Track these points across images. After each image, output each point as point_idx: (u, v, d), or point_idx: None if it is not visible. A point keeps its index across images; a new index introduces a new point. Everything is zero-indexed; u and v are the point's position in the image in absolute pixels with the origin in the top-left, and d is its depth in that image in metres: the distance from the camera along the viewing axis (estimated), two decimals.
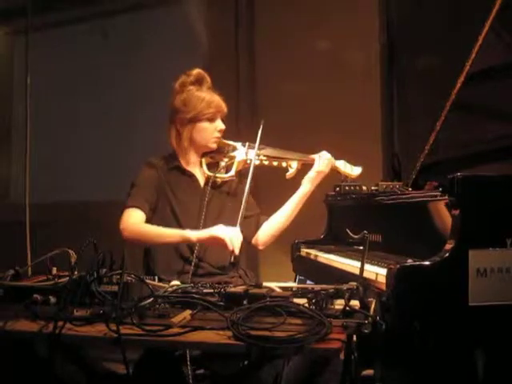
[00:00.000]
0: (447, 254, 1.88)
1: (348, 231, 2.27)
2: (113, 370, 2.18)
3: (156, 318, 1.63)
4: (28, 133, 4.91)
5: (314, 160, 2.71)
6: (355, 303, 1.69)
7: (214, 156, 2.73)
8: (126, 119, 5.01)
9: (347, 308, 1.64)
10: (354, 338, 1.49)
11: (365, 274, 1.89)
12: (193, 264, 2.53)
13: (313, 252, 2.86)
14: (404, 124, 4.08)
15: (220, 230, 2.41)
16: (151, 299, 1.73)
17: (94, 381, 2.13)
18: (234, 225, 2.51)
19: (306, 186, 2.70)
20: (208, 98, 2.65)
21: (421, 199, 2.21)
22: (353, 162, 2.81)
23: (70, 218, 5.09)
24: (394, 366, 2.18)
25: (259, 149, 2.69)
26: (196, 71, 2.71)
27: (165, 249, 2.59)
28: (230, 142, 2.74)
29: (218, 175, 2.68)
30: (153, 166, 2.68)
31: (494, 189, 1.98)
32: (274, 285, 1.94)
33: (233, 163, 2.70)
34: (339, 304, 1.72)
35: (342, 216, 3.00)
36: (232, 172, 2.69)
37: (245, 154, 2.71)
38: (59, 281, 1.85)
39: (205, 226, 2.55)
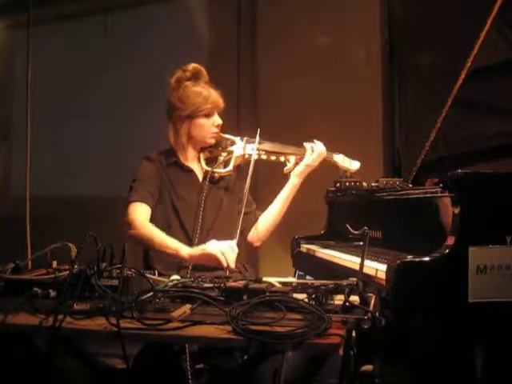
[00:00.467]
0: (447, 251, 1.88)
1: (348, 227, 2.27)
2: (112, 364, 2.19)
3: (156, 312, 1.63)
4: (29, 127, 4.91)
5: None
6: (355, 299, 1.69)
7: (212, 151, 2.72)
8: (126, 114, 5.00)
9: (347, 303, 1.64)
10: (354, 333, 1.49)
11: (365, 270, 1.89)
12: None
13: (313, 248, 2.86)
14: (405, 120, 4.08)
15: (212, 247, 2.36)
16: (151, 293, 1.73)
17: (94, 375, 2.14)
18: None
19: (294, 179, 2.71)
20: (205, 93, 2.64)
21: (421, 196, 2.21)
22: (353, 158, 2.81)
23: (70, 212, 5.10)
24: (393, 362, 2.18)
25: (259, 143, 2.68)
26: (192, 66, 2.70)
27: None
28: (229, 137, 2.73)
29: (215, 170, 2.68)
30: (152, 160, 2.68)
31: (494, 186, 1.98)
32: (273, 280, 1.95)
33: (231, 158, 2.70)
34: (339, 299, 1.72)
35: (342, 212, 3.01)
36: (230, 167, 2.69)
37: (242, 148, 2.70)
38: (59, 274, 1.85)
39: (203, 221, 2.57)
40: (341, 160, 2.77)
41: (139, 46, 5.04)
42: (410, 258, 1.93)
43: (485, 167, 2.20)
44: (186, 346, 2.30)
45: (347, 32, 4.32)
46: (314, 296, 1.70)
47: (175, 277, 2.06)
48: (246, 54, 4.72)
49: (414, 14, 3.98)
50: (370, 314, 1.56)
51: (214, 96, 2.66)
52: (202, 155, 2.71)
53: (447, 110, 2.45)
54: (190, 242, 2.54)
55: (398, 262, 1.89)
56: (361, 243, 1.95)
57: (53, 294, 1.78)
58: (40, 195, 4.97)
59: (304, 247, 2.96)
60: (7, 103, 5.84)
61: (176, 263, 2.53)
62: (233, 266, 2.36)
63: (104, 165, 5.00)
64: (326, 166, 2.79)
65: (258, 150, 2.68)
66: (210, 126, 2.66)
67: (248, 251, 2.91)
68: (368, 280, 1.94)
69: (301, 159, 2.72)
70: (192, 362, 2.44)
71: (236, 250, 2.38)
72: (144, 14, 5.23)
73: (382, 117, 4.21)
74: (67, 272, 1.79)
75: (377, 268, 2.04)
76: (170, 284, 1.90)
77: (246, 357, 2.24)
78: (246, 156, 2.69)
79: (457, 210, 1.94)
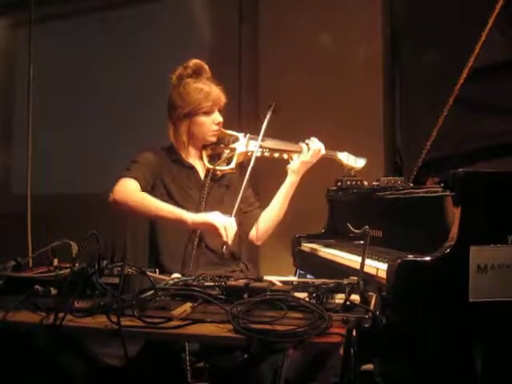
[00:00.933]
0: (448, 250, 1.88)
1: (349, 226, 2.27)
2: (113, 363, 2.19)
3: (156, 311, 1.64)
4: (30, 125, 4.90)
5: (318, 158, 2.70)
6: (356, 298, 1.69)
7: (215, 148, 2.71)
8: (126, 113, 5.01)
9: (347, 302, 1.64)
10: (354, 332, 1.49)
11: (365, 269, 1.89)
12: (194, 249, 2.53)
13: (313, 246, 2.86)
14: (406, 119, 4.08)
15: (215, 218, 2.39)
16: (152, 291, 1.74)
17: (94, 372, 2.14)
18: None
19: (292, 176, 2.70)
20: (205, 90, 2.62)
21: (422, 195, 2.21)
22: (355, 156, 2.81)
23: (71, 210, 5.10)
24: (393, 361, 2.18)
25: (262, 140, 2.66)
26: (193, 62, 2.67)
27: (169, 235, 2.59)
28: (232, 133, 2.71)
29: (217, 167, 2.66)
30: (155, 153, 2.66)
31: (495, 185, 1.98)
32: (274, 279, 1.95)
33: (233, 155, 2.68)
34: (339, 298, 1.72)
35: (343, 211, 3.00)
36: (232, 164, 2.67)
37: (245, 146, 2.68)
38: (60, 272, 1.85)
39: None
40: (345, 158, 2.75)
41: (140, 44, 5.04)
42: (410, 257, 1.93)
43: (486, 166, 2.20)
44: (186, 344, 2.30)
45: (349, 31, 4.32)
46: (314, 295, 1.71)
47: (176, 275, 2.06)
48: (247, 52, 4.72)
49: (416, 13, 3.98)
50: (370, 313, 1.56)
51: (215, 93, 2.63)
52: (204, 152, 2.69)
53: (448, 109, 2.44)
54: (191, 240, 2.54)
55: (399, 261, 1.89)
56: (362, 242, 1.95)
57: (54, 291, 1.79)
58: (41, 193, 4.97)
59: (305, 246, 2.95)
60: (9, 102, 5.85)
61: (180, 254, 2.53)
62: (230, 242, 2.37)
63: (104, 163, 5.00)
64: (329, 164, 2.78)
65: (260, 147, 2.66)
66: (210, 124, 2.64)
67: (249, 250, 2.91)
68: (369, 279, 1.94)
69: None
70: (192, 360, 2.45)
71: (235, 227, 2.41)
72: (145, 12, 5.23)
73: (383, 116, 4.20)
74: (68, 270, 1.80)
75: (377, 267, 2.04)
76: (171, 282, 1.90)
77: (246, 355, 2.24)
78: (249, 153, 2.66)
79: (458, 209, 1.94)
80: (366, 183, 2.75)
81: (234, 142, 2.69)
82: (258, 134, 2.64)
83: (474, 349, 2.04)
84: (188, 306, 1.68)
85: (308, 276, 3.08)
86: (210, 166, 2.66)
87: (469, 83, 2.40)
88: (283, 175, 2.71)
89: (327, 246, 2.79)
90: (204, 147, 2.70)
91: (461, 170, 1.96)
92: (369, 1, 4.27)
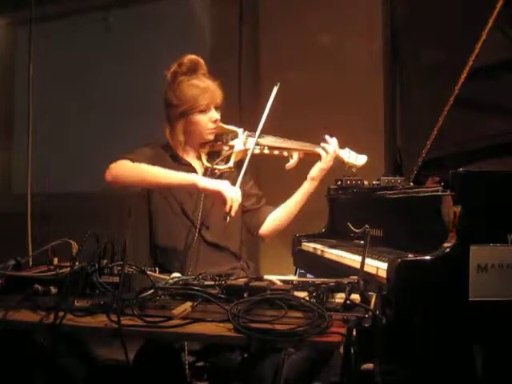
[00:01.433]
0: (448, 250, 1.88)
1: (349, 225, 2.27)
2: (113, 362, 2.19)
3: (157, 310, 1.63)
4: (30, 123, 4.91)
5: (317, 153, 2.64)
6: (356, 297, 1.69)
7: (213, 145, 2.66)
8: (127, 112, 5.01)
9: (347, 302, 1.64)
10: (354, 331, 1.49)
11: (366, 269, 1.89)
12: (194, 245, 2.52)
13: (314, 246, 2.86)
14: (406, 119, 4.08)
15: (226, 189, 2.38)
16: (152, 291, 1.73)
17: (95, 371, 2.14)
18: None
19: (311, 183, 2.66)
20: (200, 88, 2.56)
21: (422, 194, 2.21)
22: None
23: (71, 209, 5.10)
24: (393, 361, 2.18)
25: (261, 137, 2.62)
26: (187, 59, 2.61)
27: (168, 233, 2.58)
28: (231, 128, 2.67)
29: (216, 166, 2.62)
30: (153, 148, 2.64)
31: (495, 185, 1.99)
32: (274, 278, 1.95)
33: (232, 153, 2.63)
34: (340, 298, 1.72)
35: (343, 210, 3.00)
36: (230, 163, 2.63)
37: (243, 144, 2.63)
38: (60, 271, 1.85)
39: (203, 218, 2.55)
40: (346, 156, 2.69)
41: (140, 44, 5.04)
42: (411, 256, 1.93)
43: (486, 166, 2.20)
44: (185, 343, 2.29)
45: (349, 30, 4.32)
46: (314, 294, 1.70)
47: (176, 274, 2.06)
48: (247, 52, 4.72)
49: (416, 12, 3.97)
50: (370, 313, 1.56)
51: (211, 90, 2.57)
52: (202, 150, 2.65)
53: (449, 108, 2.44)
54: (191, 237, 2.54)
55: (399, 260, 1.89)
56: (362, 242, 1.95)
57: (54, 290, 1.78)
58: (41, 192, 4.97)
59: (305, 245, 2.95)
60: (8, 101, 5.85)
61: (181, 255, 2.53)
62: (233, 213, 2.39)
63: (105, 162, 4.99)
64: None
65: (259, 144, 2.63)
66: (206, 122, 2.58)
67: (249, 249, 2.90)
68: (369, 278, 1.94)
69: (305, 154, 2.66)
70: (193, 359, 2.45)
71: (240, 200, 2.41)
72: (145, 11, 5.23)
73: (384, 115, 4.20)
74: (68, 269, 1.80)
75: (378, 266, 2.04)
76: (171, 281, 1.90)
77: (246, 355, 2.24)
78: (248, 151, 2.62)
79: (458, 209, 1.94)
80: (366, 182, 2.75)
81: (232, 138, 2.65)
82: (262, 127, 2.59)
83: (473, 348, 2.04)
84: (188, 305, 1.68)
85: (308, 275, 3.08)
86: (208, 165, 2.62)
87: (469, 83, 2.40)
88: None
89: (327, 245, 2.79)
90: (202, 145, 2.65)
91: (461, 169, 1.96)
92: (369, 0, 4.27)
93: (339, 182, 2.82)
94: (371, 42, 4.25)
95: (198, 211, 2.55)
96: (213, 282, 1.88)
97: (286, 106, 4.19)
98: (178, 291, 1.79)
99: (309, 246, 2.91)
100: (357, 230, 2.10)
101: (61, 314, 1.55)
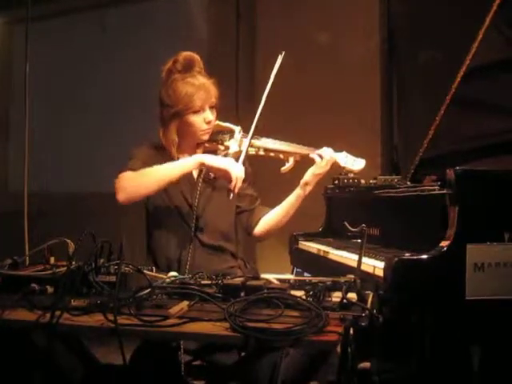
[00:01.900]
0: (445, 248, 1.89)
1: (346, 224, 2.27)
2: (109, 361, 2.19)
3: (153, 309, 1.63)
4: (27, 122, 4.90)
5: (312, 159, 2.57)
6: (352, 296, 1.69)
7: (209, 144, 2.61)
8: (124, 110, 5.01)
9: (344, 301, 1.64)
10: (351, 330, 1.49)
11: (362, 267, 1.89)
12: (190, 248, 2.50)
13: (311, 245, 2.86)
14: (403, 118, 4.09)
15: (232, 167, 2.39)
16: (149, 290, 1.73)
17: (91, 371, 2.14)
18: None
19: (304, 188, 2.59)
20: (194, 88, 2.48)
21: (419, 193, 2.21)
22: (352, 155, 2.79)
23: (68, 208, 5.10)
24: (391, 359, 2.18)
25: (256, 139, 2.58)
26: (183, 56, 2.54)
27: (164, 233, 2.55)
28: (228, 125, 2.62)
29: None
30: (150, 147, 2.60)
31: (492, 183, 1.99)
32: (271, 277, 1.95)
33: (227, 154, 2.57)
34: (336, 297, 1.72)
35: (340, 209, 3.00)
36: None
37: (238, 145, 2.57)
38: (57, 270, 1.84)
39: (198, 220, 2.52)
40: (343, 160, 2.61)
41: (136, 42, 5.04)
42: (407, 255, 1.93)
43: (483, 165, 2.20)
44: (181, 342, 2.29)
45: (346, 29, 4.33)
46: (311, 293, 1.70)
47: (173, 273, 2.06)
48: (244, 50, 4.72)
49: (413, 11, 3.98)
50: (367, 312, 1.56)
51: (205, 89, 2.49)
52: (198, 151, 2.60)
53: (445, 107, 2.44)
54: (187, 239, 2.53)
55: (396, 259, 1.89)
56: (359, 240, 1.95)
57: (50, 290, 1.78)
58: (37, 191, 4.97)
59: (302, 244, 2.95)
60: (5, 99, 5.85)
61: (177, 255, 2.51)
62: (236, 190, 2.41)
63: (101, 160, 5.00)
64: None
65: (253, 146, 2.58)
66: (200, 123, 2.51)
67: (247, 248, 2.90)
68: (366, 277, 1.94)
69: (301, 158, 2.61)
70: (189, 358, 2.45)
71: (243, 176, 2.43)
72: (142, 10, 5.23)
73: (381, 114, 4.21)
74: (65, 268, 1.79)
75: (375, 265, 2.05)
76: (168, 280, 1.90)
77: (243, 354, 2.24)
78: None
79: (454, 208, 1.94)
80: (363, 181, 2.75)
81: (229, 138, 2.60)
82: (255, 126, 2.54)
83: (470, 347, 2.04)
84: (185, 304, 1.67)
85: (305, 274, 3.08)
86: (203, 167, 2.52)
87: (466, 82, 2.40)
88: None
89: (324, 244, 2.79)
90: (197, 145, 2.60)
91: (458, 168, 1.96)
92: None
93: (336, 181, 2.82)
94: (368, 41, 4.26)
95: (194, 213, 2.53)
96: (209, 281, 1.88)
97: (283, 106, 4.21)
98: (175, 290, 1.79)
99: (306, 245, 2.91)
100: (353, 229, 2.10)
101: (57, 313, 1.55)
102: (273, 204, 2.70)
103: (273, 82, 2.60)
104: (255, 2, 4.81)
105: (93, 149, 5.20)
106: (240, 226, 2.69)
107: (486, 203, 1.96)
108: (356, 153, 2.78)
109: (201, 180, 2.56)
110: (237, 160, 2.50)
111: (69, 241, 1.92)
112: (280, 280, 1.93)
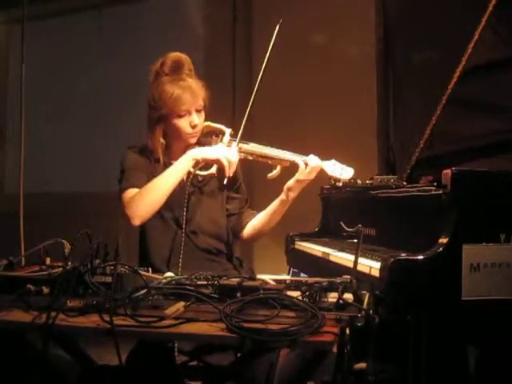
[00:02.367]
0: (441, 249, 1.89)
1: (342, 224, 2.27)
2: (105, 361, 2.18)
3: (149, 310, 1.63)
4: (23, 123, 4.89)
5: (297, 167, 2.51)
6: (349, 296, 1.69)
7: (199, 145, 2.54)
8: (121, 111, 5.00)
9: (340, 301, 1.64)
10: (347, 331, 1.49)
11: (358, 268, 1.89)
12: (182, 251, 2.47)
13: (307, 245, 2.86)
14: (399, 118, 4.09)
15: (224, 155, 2.41)
16: (145, 290, 1.73)
17: (87, 371, 2.13)
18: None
19: (287, 193, 2.53)
20: (179, 91, 2.43)
21: (415, 193, 2.21)
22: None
23: (63, 208, 5.09)
24: (386, 359, 2.19)
25: (244, 143, 2.54)
26: (171, 59, 2.49)
27: (157, 236, 2.54)
28: (219, 126, 2.58)
29: (197, 172, 2.49)
30: (137, 151, 2.56)
31: (488, 184, 1.99)
32: (267, 277, 1.94)
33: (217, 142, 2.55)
34: (333, 297, 1.72)
35: (336, 209, 3.01)
36: (212, 169, 2.49)
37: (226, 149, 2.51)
38: (53, 271, 1.84)
39: (188, 223, 2.50)
40: (330, 169, 2.53)
41: (134, 42, 5.03)
42: (403, 255, 1.93)
43: (479, 165, 2.20)
44: (175, 342, 2.29)
45: (342, 29, 4.33)
46: (307, 294, 1.70)
47: (169, 274, 2.05)
48: (241, 50, 4.72)
49: (409, 11, 3.98)
50: (363, 312, 1.56)
51: (191, 93, 2.44)
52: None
53: (441, 107, 2.45)
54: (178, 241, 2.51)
55: (392, 259, 1.89)
56: (355, 241, 1.95)
57: (46, 290, 1.77)
58: (33, 192, 4.96)
59: (298, 244, 2.95)
60: (1, 99, 5.84)
61: (171, 259, 2.50)
62: (231, 174, 2.44)
63: (97, 161, 4.99)
64: None
65: (241, 151, 2.53)
66: (185, 127, 2.47)
67: (243, 248, 2.90)
68: (362, 278, 1.94)
69: (291, 165, 2.53)
70: (186, 359, 2.44)
71: (237, 160, 2.47)
72: (138, 10, 5.23)
73: (377, 114, 4.21)
74: (60, 269, 1.79)
75: (371, 266, 2.05)
76: (164, 281, 1.89)
77: (239, 354, 2.24)
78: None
79: (451, 208, 1.94)
80: (359, 182, 2.74)
81: (218, 141, 2.56)
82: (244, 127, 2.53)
83: (466, 347, 2.04)
84: (181, 304, 1.67)
85: (301, 274, 3.08)
86: (191, 170, 2.47)
87: (462, 82, 2.41)
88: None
89: (320, 244, 2.79)
90: (186, 147, 2.53)
91: (454, 168, 1.96)
92: (362, 0, 4.28)
93: (332, 181, 2.82)
94: (364, 41, 4.26)
95: (184, 216, 2.49)
96: (206, 282, 1.88)
97: (279, 105, 4.21)
98: (171, 291, 1.78)
99: (301, 245, 2.91)
100: (350, 230, 2.10)
101: (53, 313, 1.55)
102: (265, 207, 2.68)
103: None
104: (252, 3, 4.81)
105: (89, 149, 5.20)
106: (228, 228, 2.67)
107: (482, 204, 1.96)
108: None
109: (189, 183, 2.51)
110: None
111: (65, 241, 1.92)
112: (276, 280, 1.93)
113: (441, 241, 1.91)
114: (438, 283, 1.88)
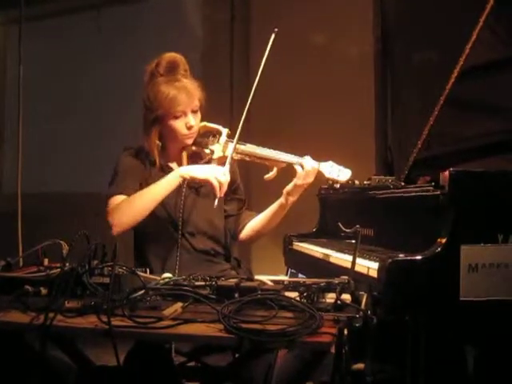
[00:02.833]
0: (439, 249, 1.89)
1: (340, 225, 2.27)
2: (103, 362, 2.18)
3: (147, 310, 1.63)
4: (20, 123, 4.89)
5: (295, 168, 2.50)
6: (347, 297, 1.69)
7: (195, 147, 2.55)
8: (118, 111, 5.00)
9: (338, 302, 1.64)
10: (345, 331, 1.49)
11: (356, 268, 1.89)
12: (178, 254, 2.47)
13: (305, 246, 2.86)
14: (397, 118, 4.09)
15: (214, 176, 2.35)
16: (143, 291, 1.73)
17: (85, 372, 2.13)
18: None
19: (286, 197, 2.52)
20: (174, 92, 2.41)
21: (413, 194, 2.21)
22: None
23: (61, 209, 5.09)
24: (385, 360, 2.19)
25: (241, 144, 2.53)
26: (166, 60, 2.48)
27: (153, 239, 2.53)
28: (216, 126, 2.57)
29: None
30: (132, 154, 2.56)
31: (486, 184, 1.99)
32: (265, 278, 1.94)
33: (211, 160, 2.53)
34: (330, 298, 1.72)
35: (334, 210, 3.00)
36: None
37: (222, 150, 2.51)
38: (50, 272, 1.84)
39: (184, 225, 2.50)
40: (327, 170, 2.50)
41: (132, 42, 5.03)
42: (401, 256, 1.93)
43: (477, 165, 2.20)
44: (173, 343, 2.28)
45: (340, 30, 4.33)
46: (305, 294, 1.70)
47: (167, 275, 2.05)
48: (239, 50, 4.72)
49: (407, 11, 3.99)
50: (361, 313, 1.56)
51: (186, 94, 2.42)
52: (184, 154, 2.55)
53: (439, 108, 2.45)
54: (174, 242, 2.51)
55: (390, 260, 1.89)
56: (353, 241, 1.95)
57: (44, 291, 1.78)
58: (31, 192, 4.95)
59: (296, 245, 2.95)
60: (0, 100, 5.83)
61: (167, 260, 2.50)
62: (222, 194, 2.40)
63: (95, 161, 4.99)
64: None
65: (238, 152, 2.53)
66: (181, 128, 2.46)
67: (241, 249, 2.89)
68: (360, 278, 1.94)
69: (288, 166, 2.52)
70: (184, 360, 2.44)
71: (228, 179, 2.40)
72: (136, 10, 5.22)
73: (375, 114, 4.21)
74: (58, 270, 1.79)
75: (369, 266, 2.04)
76: (162, 282, 1.89)
77: (237, 355, 2.23)
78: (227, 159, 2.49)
79: (449, 209, 1.94)
80: (357, 182, 2.74)
81: (215, 141, 2.54)
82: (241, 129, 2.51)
83: (465, 348, 2.04)
84: (179, 305, 1.67)
85: (299, 275, 3.08)
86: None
87: (460, 82, 2.41)
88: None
89: (318, 245, 2.78)
90: (183, 149, 2.54)
91: (452, 169, 1.96)
92: (360, 0, 4.28)
93: (330, 182, 2.81)
94: (362, 41, 4.27)
95: (180, 218, 2.49)
96: (203, 283, 1.88)
97: (277, 105, 4.21)
98: (169, 292, 1.78)
99: (299, 246, 2.91)
100: (347, 230, 2.10)
101: (51, 314, 1.55)
102: (263, 208, 2.68)
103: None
104: (250, 3, 4.81)
105: (87, 150, 5.19)
106: (226, 229, 2.67)
107: (480, 204, 1.96)
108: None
109: (185, 185, 2.50)
110: (222, 165, 2.47)
111: (63, 242, 1.92)
112: (274, 281, 1.93)
113: (439, 241, 1.91)
114: (436, 284, 1.88)
